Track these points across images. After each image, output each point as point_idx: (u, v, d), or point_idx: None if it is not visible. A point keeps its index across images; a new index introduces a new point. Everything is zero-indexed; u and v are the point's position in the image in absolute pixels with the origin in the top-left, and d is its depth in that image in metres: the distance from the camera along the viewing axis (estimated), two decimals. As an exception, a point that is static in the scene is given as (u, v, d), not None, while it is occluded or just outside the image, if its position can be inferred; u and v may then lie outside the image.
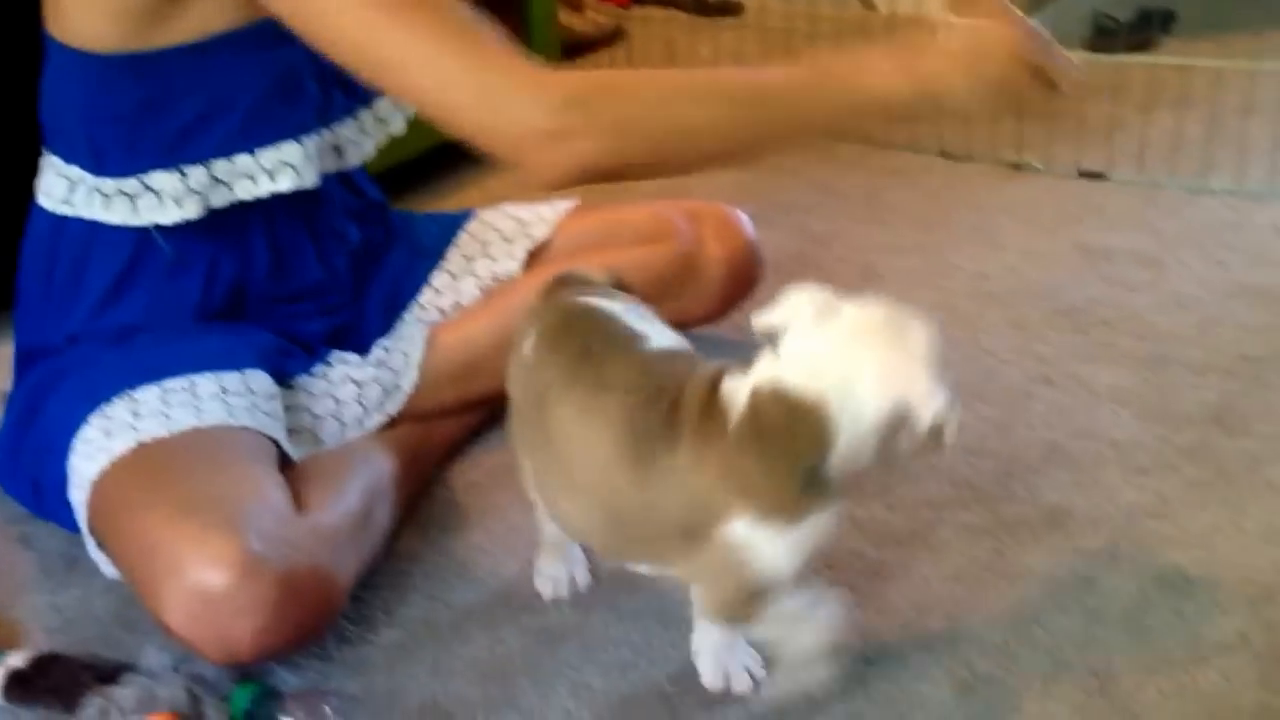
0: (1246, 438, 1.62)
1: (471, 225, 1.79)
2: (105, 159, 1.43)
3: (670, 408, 1.15)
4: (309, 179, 1.48)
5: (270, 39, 1.36)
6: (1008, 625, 1.33)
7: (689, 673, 1.28)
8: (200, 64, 1.39)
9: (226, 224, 1.47)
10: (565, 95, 1.25)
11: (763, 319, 1.14)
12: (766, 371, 1.12)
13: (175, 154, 1.42)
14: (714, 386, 1.15)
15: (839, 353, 1.09)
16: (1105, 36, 2.82)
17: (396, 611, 1.41)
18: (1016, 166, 2.51)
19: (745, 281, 1.80)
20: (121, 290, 1.48)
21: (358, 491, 1.44)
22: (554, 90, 1.25)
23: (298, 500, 1.36)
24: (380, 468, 1.50)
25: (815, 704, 1.24)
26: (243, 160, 1.45)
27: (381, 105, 1.60)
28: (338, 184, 1.62)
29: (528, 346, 1.26)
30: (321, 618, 1.30)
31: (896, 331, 1.10)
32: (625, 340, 1.23)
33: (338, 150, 1.55)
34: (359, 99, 1.56)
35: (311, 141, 1.48)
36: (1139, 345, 1.85)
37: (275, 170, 1.46)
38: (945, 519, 1.50)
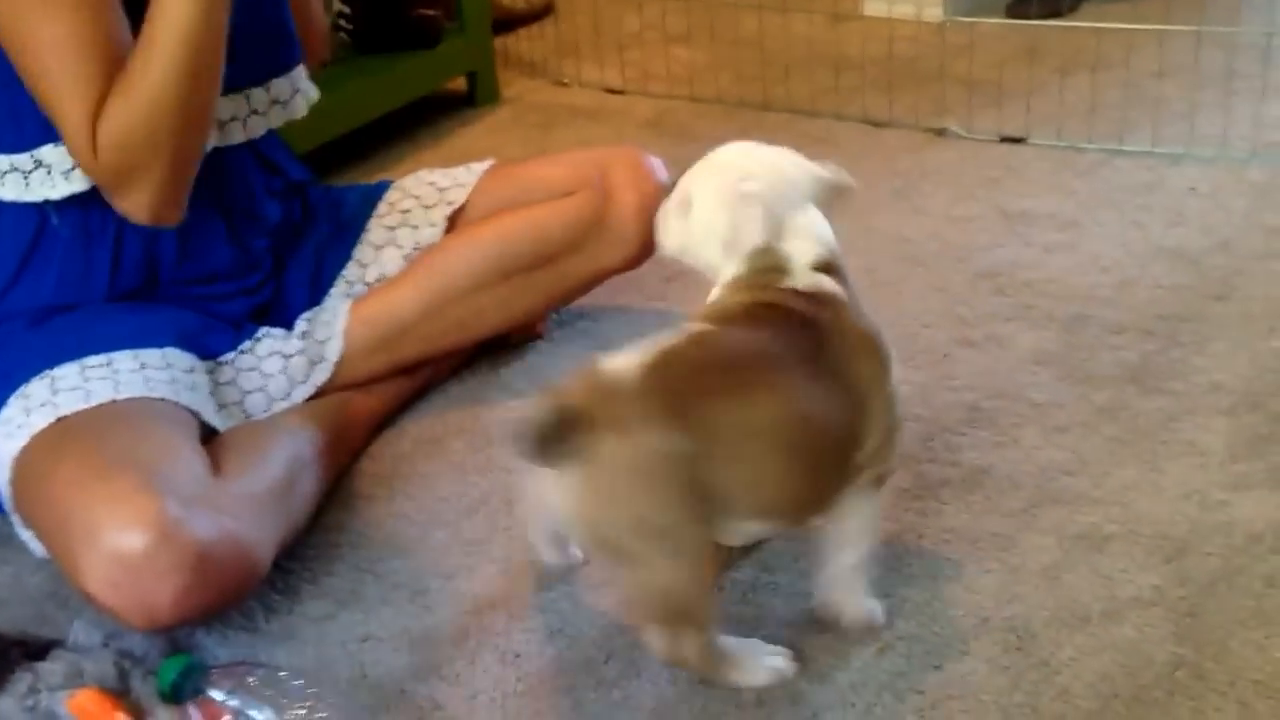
0: (1163, 396, 1.65)
1: (391, 195, 1.78)
2: None
3: (791, 331, 1.20)
4: None
5: (134, 8, 1.35)
6: (929, 584, 1.35)
7: (614, 638, 1.30)
8: None
9: None
10: (106, 167, 1.35)
11: (730, 237, 1.25)
12: (799, 253, 1.25)
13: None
14: (801, 293, 1.23)
15: (793, 207, 1.27)
16: (1023, 3, 2.88)
17: (324, 582, 1.41)
18: (938, 132, 2.53)
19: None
20: (29, 269, 1.47)
21: (280, 461, 1.44)
22: (100, 158, 1.34)
23: (219, 469, 1.36)
24: (305, 438, 1.50)
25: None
26: None
27: (277, 85, 1.59)
28: (255, 166, 1.61)
29: (656, 440, 1.12)
30: (242, 582, 1.30)
31: (761, 150, 1.32)
32: (688, 336, 1.21)
33: (219, 125, 1.52)
34: (244, 74, 1.52)
35: None
36: (1058, 306, 1.88)
37: None
38: (869, 481, 1.52)
